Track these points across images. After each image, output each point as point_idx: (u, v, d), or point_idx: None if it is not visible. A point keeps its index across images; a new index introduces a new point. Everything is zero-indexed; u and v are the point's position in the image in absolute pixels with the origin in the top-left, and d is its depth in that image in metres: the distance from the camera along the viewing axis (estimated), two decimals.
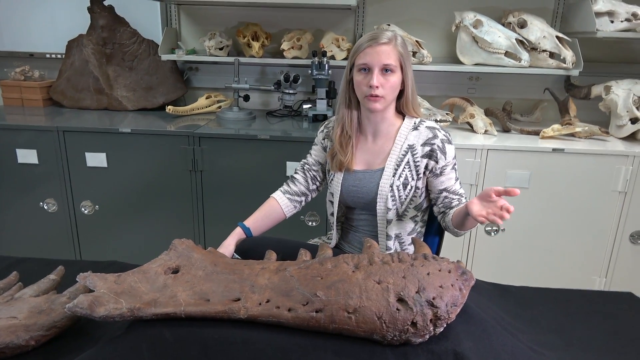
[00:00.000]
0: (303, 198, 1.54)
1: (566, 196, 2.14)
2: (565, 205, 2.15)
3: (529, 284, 1.36)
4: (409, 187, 1.36)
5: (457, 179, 1.39)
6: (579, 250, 2.21)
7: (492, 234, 2.21)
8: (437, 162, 1.34)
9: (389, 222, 1.38)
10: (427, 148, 1.35)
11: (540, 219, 2.18)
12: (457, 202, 1.35)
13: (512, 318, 1.12)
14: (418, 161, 1.35)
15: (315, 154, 1.53)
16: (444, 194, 1.37)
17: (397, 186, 1.36)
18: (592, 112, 2.52)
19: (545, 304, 1.22)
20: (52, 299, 1.00)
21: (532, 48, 2.33)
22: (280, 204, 1.50)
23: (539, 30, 2.30)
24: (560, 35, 2.28)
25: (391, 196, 1.36)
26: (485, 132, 2.30)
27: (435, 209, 1.42)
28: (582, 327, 1.13)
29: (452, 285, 0.91)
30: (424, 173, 1.37)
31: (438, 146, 1.34)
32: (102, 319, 0.89)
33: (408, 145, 1.36)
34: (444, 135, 1.36)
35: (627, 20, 2.23)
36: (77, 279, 0.97)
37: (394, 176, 1.36)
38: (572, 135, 2.25)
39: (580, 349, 1.04)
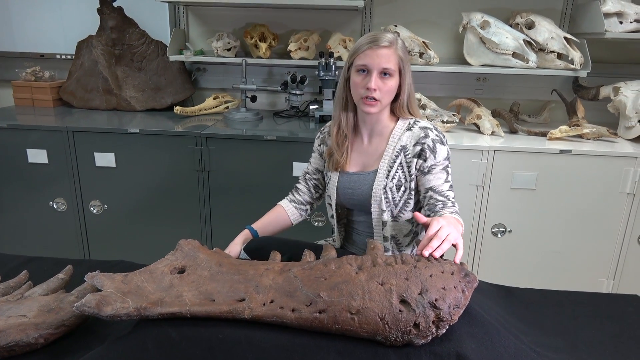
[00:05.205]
0: (308, 207, 1.57)
1: (573, 198, 2.13)
2: (572, 207, 2.14)
3: (536, 285, 1.35)
4: (402, 188, 1.35)
5: (447, 182, 1.32)
6: (586, 252, 2.19)
7: (499, 235, 2.21)
8: (425, 161, 1.31)
9: (384, 223, 1.38)
10: (418, 147, 1.32)
11: (547, 220, 2.17)
12: (442, 206, 1.28)
13: (516, 320, 1.12)
14: (410, 161, 1.33)
15: (314, 162, 1.54)
16: (430, 193, 1.31)
17: (391, 188, 1.35)
18: (600, 114, 2.50)
19: (550, 306, 1.21)
20: (60, 298, 1.02)
21: (540, 49, 2.32)
22: (287, 211, 1.52)
23: (547, 31, 2.29)
24: (568, 36, 2.27)
25: (385, 198, 1.35)
26: (492, 133, 2.30)
27: (422, 212, 1.37)
28: (588, 330, 1.13)
29: (454, 287, 0.91)
30: (415, 173, 1.34)
31: (428, 145, 1.31)
32: (109, 318, 0.90)
33: (401, 146, 1.34)
34: (437, 135, 1.33)
35: (637, 21, 2.22)
36: (85, 279, 0.99)
37: (387, 178, 1.35)
38: (580, 136, 2.23)
39: (586, 352, 1.04)
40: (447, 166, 1.33)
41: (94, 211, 2.37)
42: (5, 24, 2.82)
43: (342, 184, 1.42)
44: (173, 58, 2.58)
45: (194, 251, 1.09)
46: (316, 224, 2.27)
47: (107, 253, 2.43)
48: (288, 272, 0.98)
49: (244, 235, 1.42)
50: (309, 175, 1.56)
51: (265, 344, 0.88)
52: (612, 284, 2.23)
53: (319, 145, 1.52)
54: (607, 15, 2.22)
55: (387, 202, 1.35)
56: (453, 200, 1.30)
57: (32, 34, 2.82)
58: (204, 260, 1.06)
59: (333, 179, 1.44)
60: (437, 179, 1.31)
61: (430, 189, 1.31)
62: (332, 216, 1.49)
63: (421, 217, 1.11)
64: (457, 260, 1.01)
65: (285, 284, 0.95)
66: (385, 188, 1.35)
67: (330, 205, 1.47)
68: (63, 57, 2.84)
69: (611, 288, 2.23)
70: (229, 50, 2.57)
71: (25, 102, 2.76)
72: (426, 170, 1.32)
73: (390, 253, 1.41)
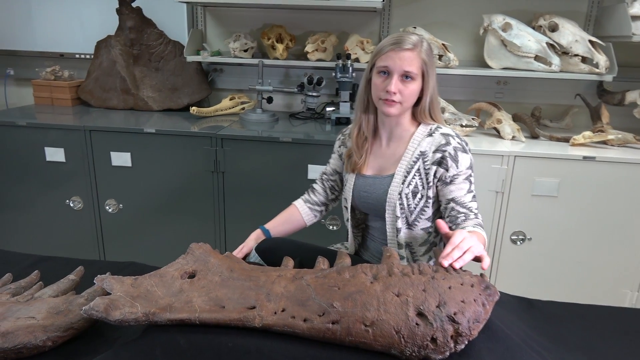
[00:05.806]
0: (323, 208, 1.55)
1: (597, 206, 2.06)
2: (596, 215, 2.07)
3: (557, 296, 1.31)
4: (419, 195, 1.30)
5: (470, 192, 1.27)
6: (610, 262, 2.12)
7: (518, 242, 2.15)
8: (447, 170, 1.26)
9: (398, 230, 1.34)
10: (438, 155, 1.27)
11: (570, 229, 2.10)
12: (464, 218, 1.24)
13: (538, 335, 1.07)
14: (428, 168, 1.28)
15: (332, 163, 1.52)
16: (451, 204, 1.26)
17: (406, 194, 1.30)
18: (626, 119, 2.42)
19: (573, 321, 1.16)
20: (70, 300, 1.01)
21: (564, 52, 2.25)
22: (301, 212, 1.50)
23: (571, 34, 2.22)
24: (593, 39, 2.20)
25: (399, 204, 1.30)
26: (513, 138, 2.24)
27: None
28: (613, 347, 1.07)
29: (474, 300, 0.87)
30: (434, 181, 1.29)
31: (450, 153, 1.26)
32: (117, 323, 0.88)
33: (420, 151, 1.30)
34: (459, 143, 1.28)
35: None
36: (94, 281, 0.97)
37: (403, 183, 1.30)
38: (604, 142, 2.16)
39: None
40: (470, 175, 1.28)
41: (110, 210, 2.37)
42: (25, 24, 2.85)
43: (357, 187, 1.39)
44: (190, 58, 2.58)
45: (205, 255, 1.07)
46: (331, 227, 2.24)
47: (122, 252, 2.43)
48: (301, 279, 0.95)
49: (256, 236, 1.42)
50: (325, 176, 1.54)
51: (276, 354, 0.85)
52: (637, 296, 2.15)
53: (339, 146, 1.50)
54: (635, 18, 2.14)
55: (401, 208, 1.31)
56: (476, 211, 1.25)
57: (52, 34, 2.85)
58: (215, 265, 1.04)
59: (350, 181, 1.41)
60: (459, 190, 1.26)
61: (452, 200, 1.26)
62: (347, 220, 1.46)
63: (444, 227, 1.07)
64: (485, 267, 0.97)
65: (297, 292, 0.92)
66: (400, 194, 1.31)
67: (346, 208, 1.44)
68: (82, 56, 2.86)
69: (635, 300, 2.15)
70: (245, 51, 2.56)
71: (44, 101, 2.79)
72: (448, 181, 1.27)
73: (405, 261, 1.38)
